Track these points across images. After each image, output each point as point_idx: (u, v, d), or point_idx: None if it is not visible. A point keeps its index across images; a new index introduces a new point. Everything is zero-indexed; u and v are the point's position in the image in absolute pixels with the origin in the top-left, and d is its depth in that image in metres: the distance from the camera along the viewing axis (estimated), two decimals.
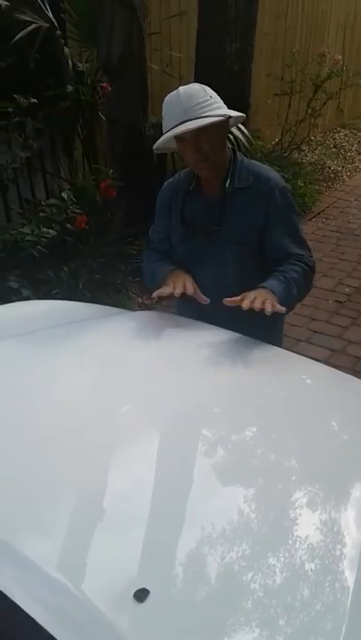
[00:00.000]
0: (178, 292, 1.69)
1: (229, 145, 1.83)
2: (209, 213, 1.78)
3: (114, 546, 0.88)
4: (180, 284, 1.71)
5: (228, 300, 1.58)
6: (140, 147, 4.28)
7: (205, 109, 1.61)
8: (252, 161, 1.85)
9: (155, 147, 1.76)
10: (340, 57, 6.49)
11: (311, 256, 1.83)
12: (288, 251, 1.78)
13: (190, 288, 1.71)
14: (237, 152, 1.81)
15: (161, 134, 1.71)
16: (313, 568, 0.87)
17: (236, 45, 4.47)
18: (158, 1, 5.02)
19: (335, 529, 0.97)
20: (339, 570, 0.88)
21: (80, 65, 4.08)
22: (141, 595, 0.78)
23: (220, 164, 1.73)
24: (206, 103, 1.62)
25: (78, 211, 3.58)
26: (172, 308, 2.26)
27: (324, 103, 6.41)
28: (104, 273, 3.84)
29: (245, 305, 1.54)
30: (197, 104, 1.60)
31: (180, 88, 1.65)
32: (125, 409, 1.25)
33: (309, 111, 6.32)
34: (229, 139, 3.12)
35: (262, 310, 1.53)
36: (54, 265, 3.54)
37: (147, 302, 3.89)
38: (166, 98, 1.67)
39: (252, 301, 1.54)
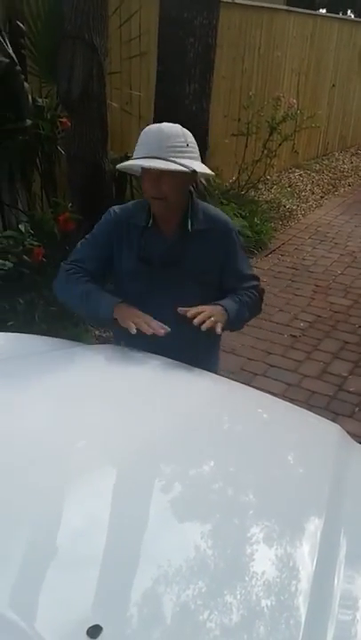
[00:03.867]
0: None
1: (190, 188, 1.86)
2: (169, 252, 1.81)
3: (67, 584, 0.86)
4: (143, 323, 1.70)
5: (182, 310, 1.70)
6: (100, 182, 4.31)
7: (178, 155, 1.65)
8: (205, 203, 1.93)
9: (118, 166, 1.85)
10: (294, 100, 6.75)
11: (259, 284, 2.02)
12: (242, 283, 1.93)
13: (159, 329, 1.70)
14: (194, 194, 1.86)
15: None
16: (269, 605, 0.86)
17: (195, 87, 4.57)
18: (119, 41, 5.14)
19: (291, 564, 0.96)
20: (294, 606, 0.87)
21: (40, 100, 4.12)
22: (94, 631, 0.76)
23: (175, 206, 1.79)
24: (181, 149, 1.66)
25: (36, 243, 3.56)
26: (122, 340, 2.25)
27: (280, 144, 6.62)
28: (61, 305, 3.80)
29: (197, 321, 1.66)
30: (173, 147, 1.65)
31: (164, 124, 1.71)
32: (78, 445, 1.23)
33: (265, 152, 6.51)
34: None
35: (212, 329, 1.67)
36: (10, 297, 3.49)
37: (104, 335, 3.87)
38: (147, 127, 1.73)
39: (204, 320, 1.67)
